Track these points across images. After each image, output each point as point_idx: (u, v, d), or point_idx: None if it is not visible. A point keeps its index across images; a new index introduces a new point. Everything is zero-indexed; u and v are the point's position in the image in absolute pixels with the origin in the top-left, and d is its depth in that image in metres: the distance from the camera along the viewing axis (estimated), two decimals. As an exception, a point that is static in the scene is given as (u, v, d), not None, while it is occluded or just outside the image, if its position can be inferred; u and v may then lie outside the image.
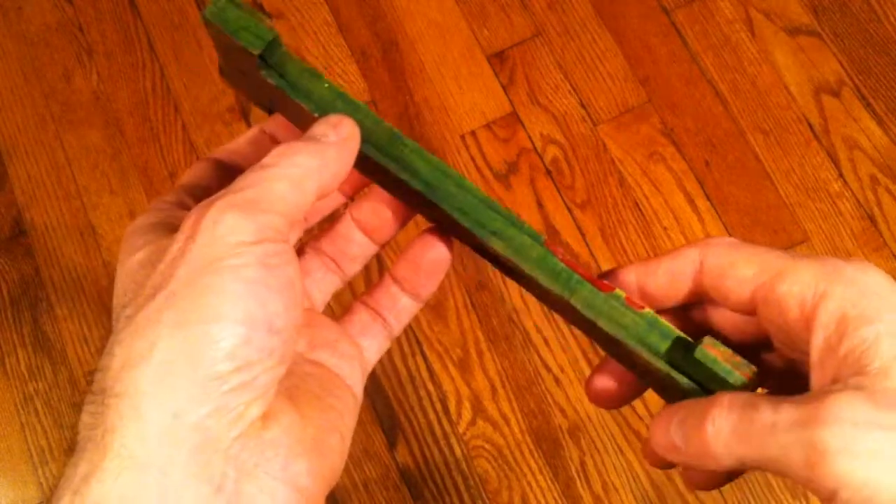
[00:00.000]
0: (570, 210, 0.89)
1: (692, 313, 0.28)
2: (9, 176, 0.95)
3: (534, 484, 0.81)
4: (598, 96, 0.94)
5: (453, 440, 0.83)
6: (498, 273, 0.90)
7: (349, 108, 0.26)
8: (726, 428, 0.22)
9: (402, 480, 0.82)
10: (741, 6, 0.96)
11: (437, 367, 0.85)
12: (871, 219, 0.87)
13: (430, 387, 0.85)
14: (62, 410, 0.87)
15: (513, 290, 0.87)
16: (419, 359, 0.85)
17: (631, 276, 0.27)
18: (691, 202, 0.89)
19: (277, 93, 0.27)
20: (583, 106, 0.93)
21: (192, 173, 0.27)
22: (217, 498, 0.20)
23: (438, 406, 0.84)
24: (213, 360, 0.20)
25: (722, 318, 0.27)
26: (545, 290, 0.26)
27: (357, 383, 0.27)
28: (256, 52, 0.25)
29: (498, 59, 0.96)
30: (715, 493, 0.80)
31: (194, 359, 0.20)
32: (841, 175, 0.89)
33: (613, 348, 0.27)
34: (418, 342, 0.86)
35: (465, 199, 0.26)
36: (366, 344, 0.28)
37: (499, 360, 0.85)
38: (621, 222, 0.89)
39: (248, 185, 0.22)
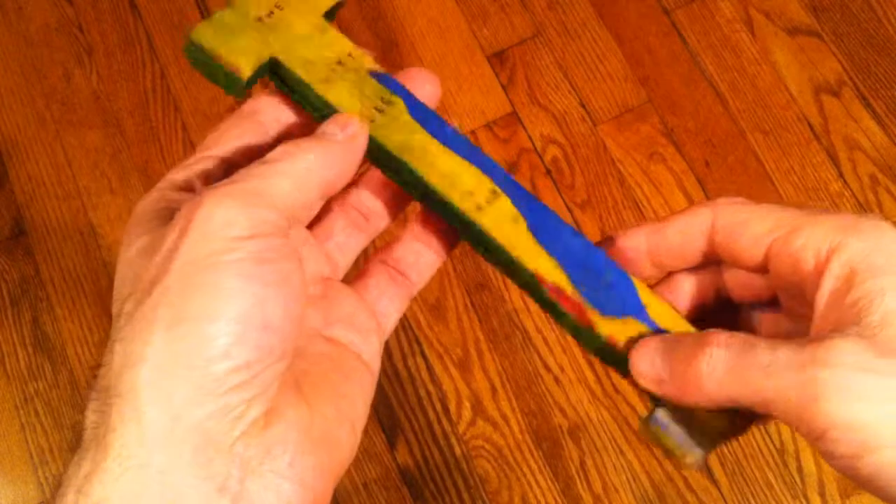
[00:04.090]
0: (570, 210, 0.89)
1: (704, 275, 0.27)
2: (9, 176, 0.95)
3: (534, 484, 0.81)
4: (598, 96, 0.94)
5: (453, 440, 0.83)
6: (498, 273, 0.90)
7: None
8: (721, 366, 0.22)
9: (403, 481, 0.82)
10: (741, 6, 0.96)
11: (437, 367, 0.85)
12: (871, 219, 0.87)
13: (430, 387, 0.85)
14: (62, 410, 0.87)
15: (513, 290, 0.87)
16: (419, 359, 0.85)
17: (639, 239, 0.26)
18: (691, 202, 0.89)
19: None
20: (583, 106, 0.93)
21: (218, 137, 0.25)
22: (221, 497, 0.20)
23: (438, 406, 0.84)
24: (208, 360, 0.20)
25: (732, 279, 0.27)
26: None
27: (374, 358, 0.26)
28: (239, 91, 0.25)
29: (498, 59, 0.96)
30: (715, 492, 0.80)
31: (190, 359, 0.20)
32: (841, 175, 0.89)
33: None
34: (418, 342, 0.86)
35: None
36: (383, 309, 0.27)
37: (499, 360, 0.85)
38: (621, 222, 0.89)
39: (248, 178, 0.22)
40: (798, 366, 0.20)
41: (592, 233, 0.88)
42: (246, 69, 0.25)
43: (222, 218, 0.21)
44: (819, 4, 0.95)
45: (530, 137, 0.92)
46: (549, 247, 0.26)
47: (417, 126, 0.26)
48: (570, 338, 0.87)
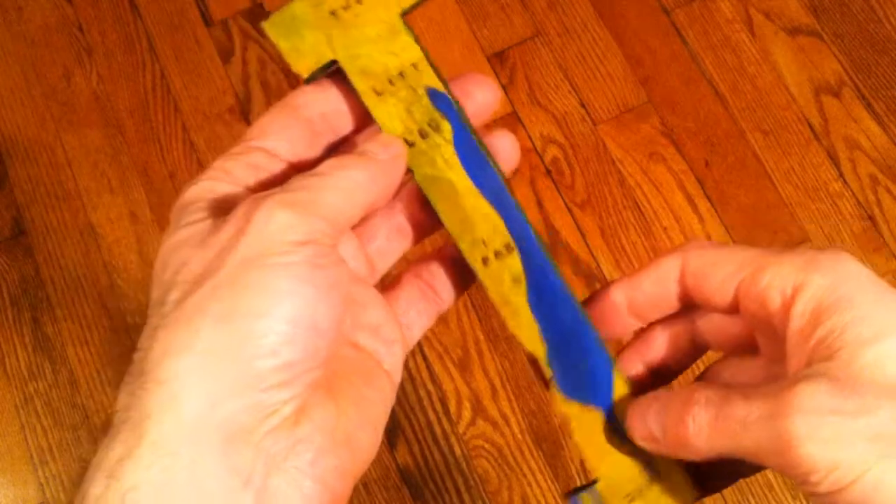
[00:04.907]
0: (570, 210, 0.89)
1: (680, 327, 0.28)
2: (9, 176, 0.95)
3: (534, 484, 0.81)
4: (598, 96, 0.94)
5: (453, 440, 0.83)
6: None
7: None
8: (705, 424, 0.23)
9: (402, 480, 0.82)
10: (741, 6, 0.96)
11: (437, 367, 0.85)
12: (872, 219, 0.87)
13: (430, 387, 0.85)
14: (62, 410, 0.87)
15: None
16: (419, 359, 0.85)
17: (618, 295, 0.27)
18: (691, 202, 0.89)
19: None
20: (583, 106, 0.93)
21: (264, 127, 0.25)
22: (245, 490, 0.20)
23: (438, 406, 0.84)
24: (254, 356, 0.20)
25: (710, 324, 0.27)
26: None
27: (396, 369, 0.26)
28: (305, 76, 0.26)
29: (498, 59, 0.96)
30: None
31: (236, 353, 0.20)
32: (841, 175, 0.89)
33: None
34: (418, 342, 0.86)
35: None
36: (410, 322, 0.27)
37: (499, 360, 0.85)
38: (621, 222, 0.89)
39: (301, 188, 0.22)
40: (770, 416, 0.21)
41: (592, 233, 0.88)
42: (304, 72, 0.26)
43: (281, 222, 0.21)
44: (819, 4, 0.95)
45: (530, 137, 0.92)
46: (541, 315, 0.26)
47: (455, 160, 0.26)
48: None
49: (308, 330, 0.21)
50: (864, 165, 0.89)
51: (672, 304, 0.26)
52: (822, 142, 0.90)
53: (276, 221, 0.21)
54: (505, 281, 0.26)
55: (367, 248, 0.27)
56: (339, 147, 0.27)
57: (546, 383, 0.26)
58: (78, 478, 0.85)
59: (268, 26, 0.26)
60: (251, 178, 0.24)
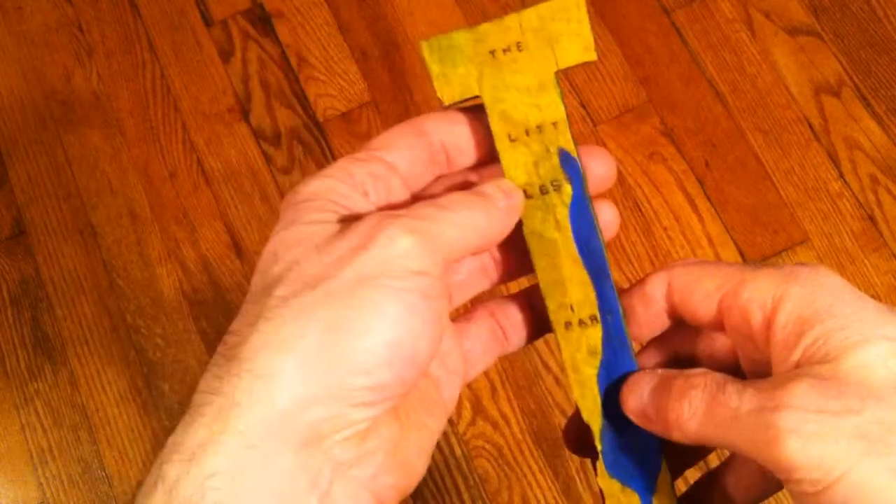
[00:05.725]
0: (570, 210, 0.89)
1: (671, 342, 0.28)
2: (9, 176, 0.95)
3: (534, 484, 0.81)
4: (598, 96, 0.94)
5: (453, 440, 0.83)
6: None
7: None
8: (701, 408, 0.23)
9: (403, 480, 0.82)
10: (741, 6, 0.96)
11: (437, 367, 0.85)
12: (872, 219, 0.87)
13: (431, 387, 0.85)
14: (62, 410, 0.87)
15: (514, 290, 0.87)
16: (419, 359, 0.85)
17: None
18: (691, 202, 0.89)
19: None
20: (583, 106, 0.93)
21: (390, 141, 0.26)
22: (311, 492, 0.21)
23: (438, 406, 0.84)
24: (351, 372, 0.21)
25: (698, 343, 0.27)
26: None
27: (452, 398, 0.27)
28: (445, 103, 0.26)
29: (498, 59, 0.96)
30: (715, 492, 0.80)
31: (336, 364, 0.21)
32: (841, 175, 0.89)
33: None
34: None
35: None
36: (474, 358, 0.28)
37: (499, 360, 0.85)
38: (621, 222, 0.89)
39: (425, 217, 0.23)
40: (760, 409, 0.21)
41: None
42: (446, 99, 0.26)
43: (403, 247, 0.22)
44: (819, 4, 0.95)
45: (530, 137, 0.92)
46: (606, 393, 0.27)
47: (566, 224, 0.26)
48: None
49: (405, 358, 0.21)
50: (864, 165, 0.89)
51: (662, 323, 0.27)
52: (822, 142, 0.90)
53: (399, 245, 0.22)
54: (582, 350, 0.27)
55: (449, 279, 0.27)
56: (448, 177, 0.27)
57: (594, 453, 0.27)
58: (78, 477, 0.85)
59: (425, 47, 0.26)
60: (369, 185, 0.24)
